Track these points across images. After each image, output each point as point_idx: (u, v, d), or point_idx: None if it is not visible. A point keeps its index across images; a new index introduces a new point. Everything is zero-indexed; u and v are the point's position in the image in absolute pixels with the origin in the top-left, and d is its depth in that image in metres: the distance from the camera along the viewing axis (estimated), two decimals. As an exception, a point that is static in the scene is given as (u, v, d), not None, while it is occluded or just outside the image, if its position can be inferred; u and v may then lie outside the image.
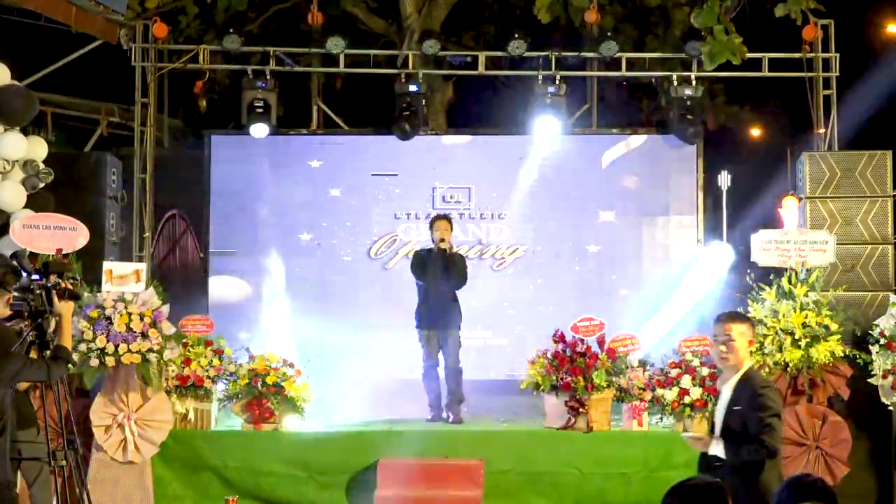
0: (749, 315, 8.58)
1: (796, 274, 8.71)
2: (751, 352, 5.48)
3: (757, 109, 15.19)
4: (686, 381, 8.70)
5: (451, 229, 9.47)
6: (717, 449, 5.05)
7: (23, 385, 6.18)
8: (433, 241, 9.43)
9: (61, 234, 8.27)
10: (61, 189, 9.25)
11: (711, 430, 5.34)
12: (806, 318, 8.45)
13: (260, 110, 11.18)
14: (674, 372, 8.78)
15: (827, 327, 8.44)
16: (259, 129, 11.22)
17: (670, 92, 11.28)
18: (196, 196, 11.98)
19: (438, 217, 9.56)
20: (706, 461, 5.18)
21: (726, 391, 5.21)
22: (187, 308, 9.65)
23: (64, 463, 6.14)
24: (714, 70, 11.09)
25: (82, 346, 8.19)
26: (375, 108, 12.29)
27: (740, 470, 4.99)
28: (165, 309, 8.50)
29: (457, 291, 9.39)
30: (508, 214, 11.75)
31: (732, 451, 5.00)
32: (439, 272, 9.29)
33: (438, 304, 9.28)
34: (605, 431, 8.79)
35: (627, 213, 11.77)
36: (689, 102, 11.16)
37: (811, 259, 8.82)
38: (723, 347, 5.17)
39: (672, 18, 12.12)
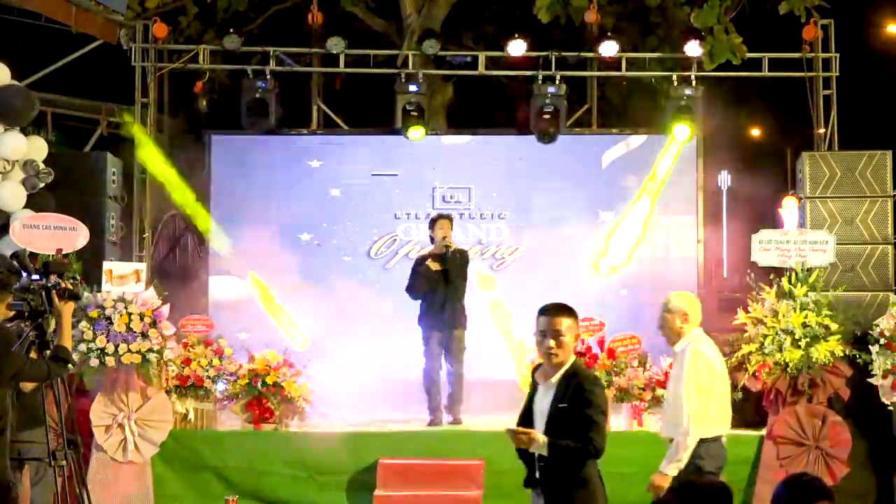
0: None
1: (796, 274, 8.71)
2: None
3: (757, 109, 15.21)
4: (686, 381, 8.69)
5: (451, 228, 9.49)
6: (541, 447, 4.79)
7: (28, 385, 6.17)
8: (432, 241, 9.41)
9: (61, 234, 8.28)
10: (61, 189, 9.25)
11: (523, 426, 5.02)
12: (806, 318, 8.45)
13: (258, 110, 11.17)
14: (674, 372, 8.78)
15: (827, 327, 8.45)
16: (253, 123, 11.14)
17: (670, 92, 11.28)
18: (196, 196, 11.97)
19: (441, 216, 9.55)
20: (525, 457, 4.97)
21: (548, 387, 4.91)
22: (187, 308, 9.65)
23: (64, 463, 6.14)
24: (714, 70, 11.09)
25: (82, 346, 8.20)
26: (375, 108, 12.28)
27: (561, 467, 4.82)
28: (165, 309, 8.50)
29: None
30: (508, 214, 11.75)
31: (557, 449, 4.77)
32: (442, 272, 9.28)
33: (442, 305, 9.25)
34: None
35: (627, 213, 11.76)
36: (687, 102, 11.15)
37: (811, 259, 8.83)
38: (553, 343, 4.86)
39: (672, 18, 12.12)
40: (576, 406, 4.78)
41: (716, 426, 5.98)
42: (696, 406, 5.84)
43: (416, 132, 11.13)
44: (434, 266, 9.21)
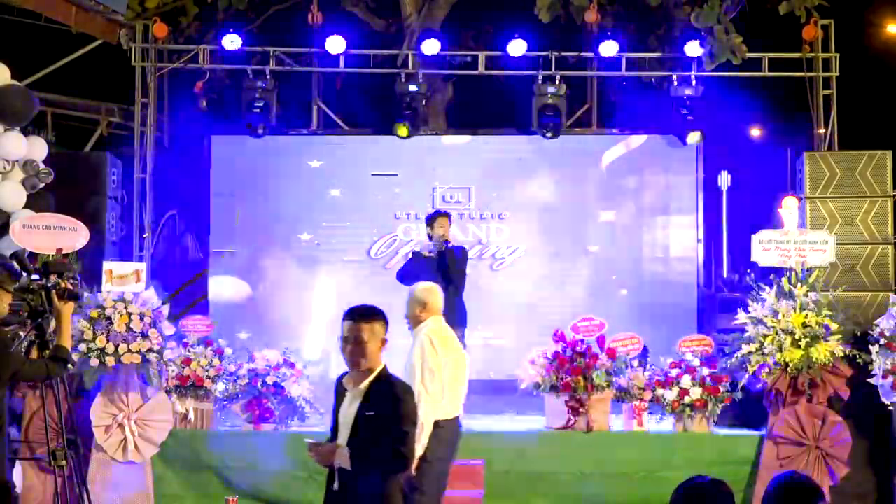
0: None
1: (796, 274, 8.71)
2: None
3: (757, 109, 15.18)
4: (686, 381, 8.71)
5: (450, 225, 9.45)
6: (344, 460, 4.55)
7: None
8: (430, 238, 9.34)
9: (61, 234, 8.26)
10: (61, 189, 9.24)
11: (333, 436, 4.78)
12: (806, 318, 8.45)
13: (258, 110, 11.17)
14: (674, 372, 8.79)
15: (827, 327, 8.44)
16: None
17: (670, 92, 11.28)
18: (196, 196, 11.99)
19: (439, 213, 9.50)
20: (332, 469, 4.68)
21: (356, 394, 4.68)
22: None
23: (64, 463, 6.14)
24: (714, 70, 11.09)
25: (82, 346, 8.19)
26: (375, 108, 12.28)
27: (365, 479, 4.57)
28: (165, 309, 8.50)
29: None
30: (508, 214, 11.75)
31: (361, 462, 4.53)
32: (440, 270, 9.22)
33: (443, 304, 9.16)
34: (605, 431, 8.79)
35: (627, 213, 11.77)
36: (688, 102, 11.15)
37: (811, 259, 8.82)
38: (353, 349, 4.68)
39: (672, 18, 12.11)
40: (384, 415, 4.57)
41: (444, 410, 6.40)
42: (428, 388, 6.23)
43: (402, 130, 11.13)
44: (425, 253, 9.18)
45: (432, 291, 6.77)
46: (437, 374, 6.39)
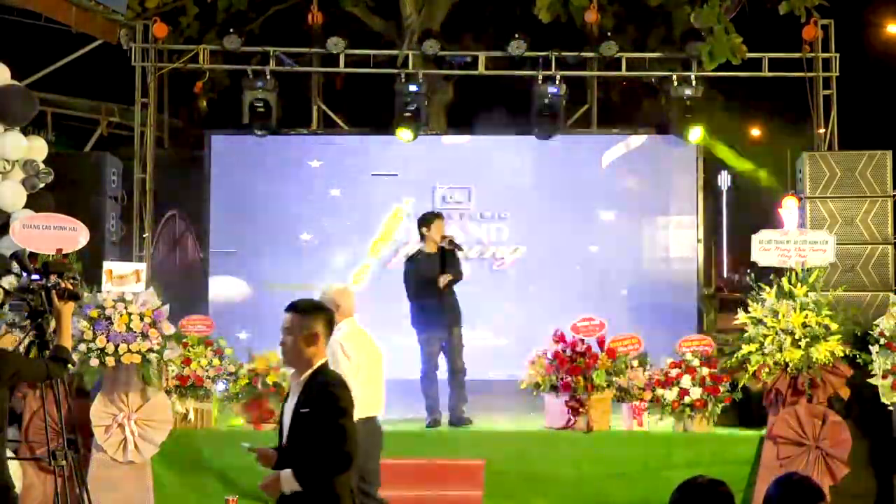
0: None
1: (796, 274, 8.71)
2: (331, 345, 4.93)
3: (757, 109, 15.20)
4: (686, 381, 8.71)
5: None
6: (290, 482, 4.48)
7: None
8: (423, 239, 9.25)
9: (61, 234, 8.26)
10: (61, 189, 9.24)
11: (280, 434, 4.76)
12: (806, 318, 8.44)
13: (260, 110, 11.18)
14: (674, 372, 8.79)
15: (827, 327, 8.43)
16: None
17: (670, 92, 11.29)
18: (196, 196, 11.99)
19: (437, 215, 9.44)
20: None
21: (296, 389, 4.64)
22: (187, 308, 9.65)
23: (64, 463, 6.14)
24: (714, 70, 11.10)
25: (82, 346, 8.19)
26: (375, 108, 12.29)
27: (312, 486, 4.50)
28: (165, 309, 8.49)
29: (455, 290, 9.31)
30: (508, 214, 11.75)
31: (306, 477, 4.46)
32: (438, 271, 9.20)
33: (439, 304, 9.16)
34: (605, 431, 8.79)
35: (627, 213, 11.78)
36: (689, 102, 11.16)
37: (811, 259, 8.81)
38: (282, 339, 4.67)
39: (672, 18, 12.13)
40: (320, 412, 4.50)
41: (361, 409, 6.22)
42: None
43: (405, 134, 11.15)
44: (445, 280, 9.08)
45: (345, 294, 6.82)
46: (350, 379, 6.33)
